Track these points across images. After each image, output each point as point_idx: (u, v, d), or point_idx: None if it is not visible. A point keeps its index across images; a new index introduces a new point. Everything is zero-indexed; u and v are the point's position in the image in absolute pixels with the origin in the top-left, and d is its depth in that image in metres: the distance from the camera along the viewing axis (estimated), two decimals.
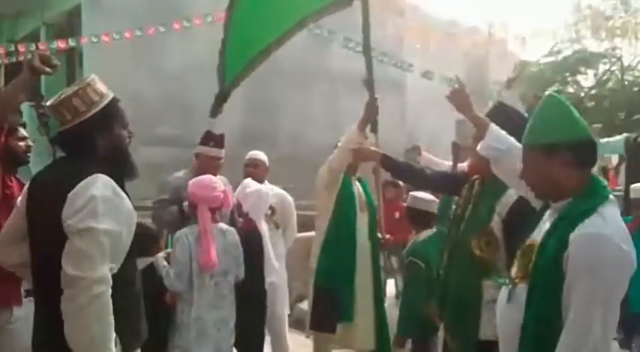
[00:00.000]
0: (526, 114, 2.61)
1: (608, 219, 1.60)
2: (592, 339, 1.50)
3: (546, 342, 1.57)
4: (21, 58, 8.67)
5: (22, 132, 2.84)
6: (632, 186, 4.39)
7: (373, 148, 3.19)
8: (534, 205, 1.93)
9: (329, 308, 3.30)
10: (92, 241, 1.71)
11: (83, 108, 1.85)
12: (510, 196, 2.30)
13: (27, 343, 2.43)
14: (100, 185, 1.76)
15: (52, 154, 8.40)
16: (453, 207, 2.72)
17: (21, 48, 8.22)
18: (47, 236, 1.80)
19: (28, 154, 2.85)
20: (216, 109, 3.60)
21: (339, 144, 3.30)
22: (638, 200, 4.28)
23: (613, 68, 13.56)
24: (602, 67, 13.53)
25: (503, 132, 2.13)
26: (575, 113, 1.73)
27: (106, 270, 1.73)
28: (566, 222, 1.62)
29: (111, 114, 1.91)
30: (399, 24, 8.57)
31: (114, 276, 1.77)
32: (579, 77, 13.77)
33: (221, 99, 3.55)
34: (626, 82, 13.38)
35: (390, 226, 4.74)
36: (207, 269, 2.97)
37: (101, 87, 1.92)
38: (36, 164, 2.96)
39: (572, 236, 1.56)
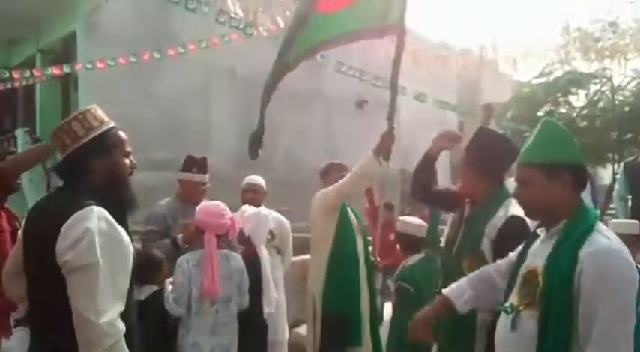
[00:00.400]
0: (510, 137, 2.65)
1: (610, 236, 1.66)
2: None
3: None
4: (16, 85, 8.71)
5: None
6: (611, 221, 4.36)
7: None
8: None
9: (339, 333, 3.28)
10: (94, 277, 1.67)
11: (82, 133, 1.82)
12: (499, 219, 2.31)
13: None
14: (94, 217, 1.72)
15: (47, 182, 8.37)
16: (444, 229, 2.72)
17: (16, 74, 8.25)
18: (41, 267, 1.77)
19: (18, 182, 2.77)
20: (254, 151, 3.50)
21: (354, 169, 3.30)
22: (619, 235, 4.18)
23: (603, 88, 13.73)
24: (592, 88, 13.70)
25: None
26: (573, 138, 1.81)
27: (115, 313, 1.69)
28: (572, 241, 1.64)
29: (110, 140, 1.88)
30: (391, 48, 8.70)
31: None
32: (570, 97, 13.93)
33: (257, 140, 3.42)
34: (616, 102, 13.54)
35: (385, 248, 4.73)
36: (208, 295, 2.95)
37: (102, 114, 1.91)
38: (30, 193, 2.95)
39: (582, 253, 1.60)
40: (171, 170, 3.87)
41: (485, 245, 2.30)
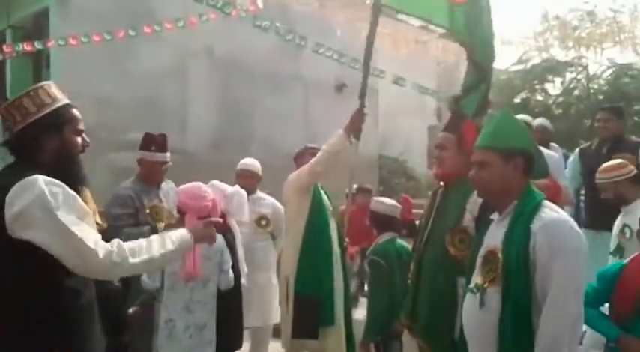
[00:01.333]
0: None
1: (558, 210, 1.85)
2: (570, 316, 1.66)
3: (526, 337, 1.71)
4: None
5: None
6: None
7: None
8: None
9: (311, 313, 3.31)
10: (63, 230, 1.67)
11: (33, 109, 1.81)
12: (475, 201, 2.41)
13: None
14: (41, 181, 1.70)
15: None
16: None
17: None
18: None
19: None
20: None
21: (324, 147, 3.29)
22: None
23: (579, 77, 13.94)
24: (568, 76, 13.92)
25: None
26: (527, 129, 2.06)
27: (104, 243, 1.75)
28: (523, 218, 1.82)
29: (62, 117, 1.86)
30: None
31: (63, 286, 1.74)
32: (547, 85, 14.13)
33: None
34: (591, 90, 13.77)
35: (361, 232, 4.76)
36: (188, 278, 2.95)
37: (56, 91, 1.90)
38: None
39: (534, 227, 1.77)
40: None
41: (468, 219, 2.41)
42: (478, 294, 1.86)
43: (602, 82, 13.95)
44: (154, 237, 1.89)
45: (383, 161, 15.19)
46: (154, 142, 3.57)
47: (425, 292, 2.51)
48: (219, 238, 3.13)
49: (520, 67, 13.94)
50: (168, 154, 3.64)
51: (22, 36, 10.21)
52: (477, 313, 1.87)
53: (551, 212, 1.83)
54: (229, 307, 3.20)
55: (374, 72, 8.79)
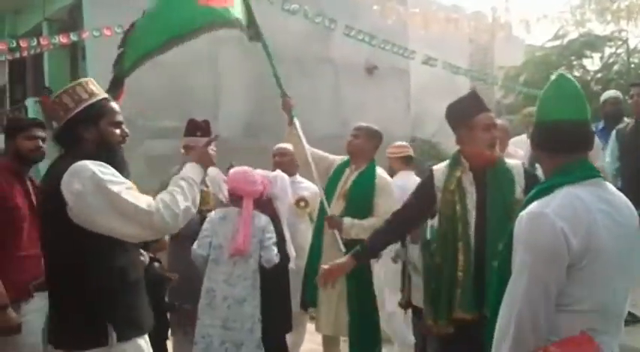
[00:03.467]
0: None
1: (547, 200, 1.57)
2: (516, 310, 1.52)
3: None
4: (24, 54, 8.67)
5: (34, 131, 2.80)
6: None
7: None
8: None
9: (303, 289, 3.44)
10: (119, 199, 1.83)
11: (72, 105, 1.97)
12: (519, 174, 2.47)
13: (38, 337, 2.46)
14: (90, 165, 1.87)
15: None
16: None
17: (23, 43, 8.20)
18: (52, 230, 1.93)
19: (37, 154, 2.80)
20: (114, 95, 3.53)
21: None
22: None
23: (619, 51, 13.43)
24: (607, 50, 13.41)
25: None
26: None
27: (151, 200, 1.90)
28: (524, 203, 1.68)
29: (98, 111, 2.00)
30: (401, 11, 8.49)
31: (114, 265, 1.91)
32: (585, 61, 13.66)
33: (116, 85, 3.40)
34: (632, 65, 13.26)
35: None
36: (237, 253, 3.17)
37: (93, 87, 2.03)
38: (45, 163, 2.97)
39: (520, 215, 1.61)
40: (179, 138, 3.85)
41: (519, 193, 2.40)
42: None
43: None
44: (170, 187, 2.01)
45: (416, 143, 15.06)
46: (198, 128, 3.62)
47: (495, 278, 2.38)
48: (262, 217, 3.30)
49: (557, 42, 13.49)
50: None
51: (58, 28, 10.46)
52: None
53: (540, 201, 1.58)
54: (275, 289, 3.28)
55: (404, 53, 8.67)
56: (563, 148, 1.63)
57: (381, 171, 3.43)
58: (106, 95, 2.07)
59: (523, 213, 1.59)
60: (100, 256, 1.88)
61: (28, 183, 2.79)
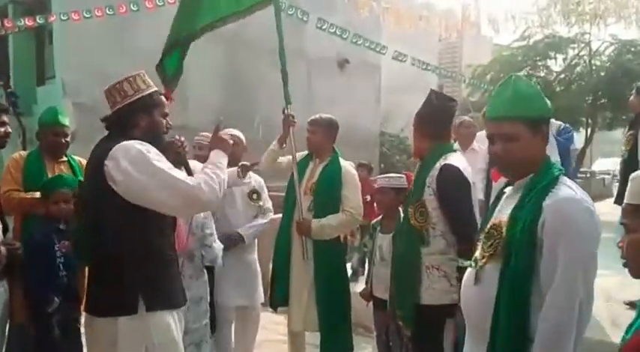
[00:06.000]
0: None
1: (573, 187, 1.67)
2: (578, 300, 1.55)
3: (521, 318, 1.61)
4: None
5: (3, 117, 2.85)
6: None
7: None
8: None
9: (272, 287, 3.43)
10: (164, 175, 1.97)
11: (130, 92, 2.15)
12: (435, 169, 2.53)
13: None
14: (135, 143, 2.03)
15: (21, 134, 8.17)
16: None
17: None
18: (98, 207, 2.06)
19: (6, 140, 2.86)
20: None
21: None
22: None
23: (582, 53, 13.85)
24: (571, 52, 13.80)
25: None
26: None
27: (196, 181, 2.03)
28: (537, 192, 1.65)
29: (153, 101, 2.19)
30: (374, 5, 8.57)
31: (153, 244, 2.07)
32: (549, 61, 14.04)
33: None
34: (594, 67, 13.69)
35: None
36: (179, 250, 3.00)
37: (148, 80, 2.22)
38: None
39: (546, 203, 1.60)
40: None
41: (429, 194, 2.52)
42: (475, 270, 1.76)
43: (604, 58, 13.85)
44: (203, 171, 2.15)
45: (384, 138, 15.21)
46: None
47: (397, 262, 2.70)
48: (200, 214, 3.09)
49: (522, 43, 13.84)
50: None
51: (24, 11, 10.15)
52: (473, 290, 1.77)
53: (567, 189, 1.64)
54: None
55: (376, 47, 8.77)
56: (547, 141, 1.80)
57: (345, 163, 3.43)
58: (156, 88, 2.23)
59: (554, 201, 1.61)
60: (140, 235, 2.03)
61: None
